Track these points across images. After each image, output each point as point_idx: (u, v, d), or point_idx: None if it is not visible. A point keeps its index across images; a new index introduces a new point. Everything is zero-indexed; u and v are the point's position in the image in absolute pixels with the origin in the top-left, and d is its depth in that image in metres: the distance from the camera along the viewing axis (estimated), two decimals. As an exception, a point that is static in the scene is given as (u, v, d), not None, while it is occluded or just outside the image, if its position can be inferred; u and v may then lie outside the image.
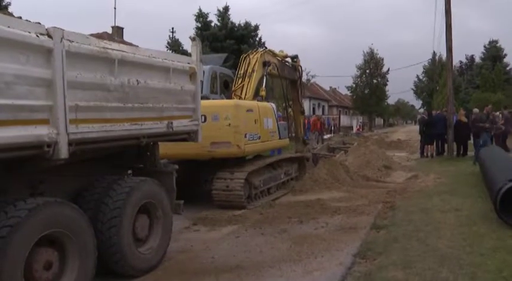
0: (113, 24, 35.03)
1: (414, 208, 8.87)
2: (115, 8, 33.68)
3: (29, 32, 4.06)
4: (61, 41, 4.34)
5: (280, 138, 11.84)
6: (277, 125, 11.71)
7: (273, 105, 12.08)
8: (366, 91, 62.42)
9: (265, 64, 11.58)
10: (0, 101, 3.77)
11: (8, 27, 3.86)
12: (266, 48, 13.28)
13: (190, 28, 31.62)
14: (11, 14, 6.59)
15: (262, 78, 11.65)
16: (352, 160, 16.03)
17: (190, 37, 6.76)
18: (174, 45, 31.97)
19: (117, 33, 34.22)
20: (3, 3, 26.37)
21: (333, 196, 10.64)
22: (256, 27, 32.68)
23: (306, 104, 52.94)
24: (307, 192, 11.29)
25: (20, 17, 4.19)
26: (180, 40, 34.29)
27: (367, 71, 62.33)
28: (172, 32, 35.64)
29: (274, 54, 12.49)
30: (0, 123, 3.81)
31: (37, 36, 4.12)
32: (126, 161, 6.43)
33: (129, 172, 6.58)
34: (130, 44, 24.00)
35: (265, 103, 11.39)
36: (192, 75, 6.46)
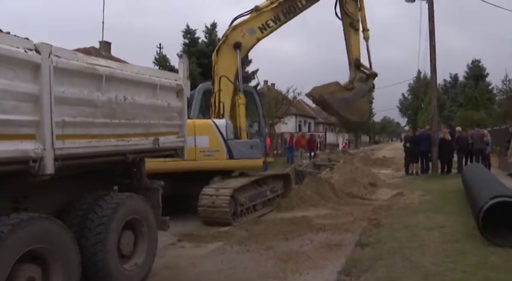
0: (101, 39, 35.08)
1: (399, 225, 8.94)
2: (103, 23, 33.62)
3: (17, 47, 4.07)
4: (49, 57, 4.35)
5: (232, 158, 10.69)
6: (227, 144, 10.64)
7: (220, 122, 10.84)
8: (352, 109, 62.88)
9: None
10: (-14, 115, 3.77)
11: (-5, 43, 3.87)
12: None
13: (177, 44, 31.82)
14: (-1, 30, 6.60)
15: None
16: (338, 177, 16.11)
17: (177, 54, 6.92)
18: (162, 61, 32.03)
19: (105, 48, 34.23)
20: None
21: (318, 213, 10.69)
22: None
23: (292, 121, 53.21)
24: (293, 209, 11.31)
25: (9, 32, 4.19)
26: (168, 56, 34.43)
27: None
28: (160, 47, 35.73)
29: None
30: None
31: (25, 51, 4.13)
32: (112, 177, 6.41)
33: (115, 187, 6.55)
34: (118, 59, 24.08)
35: (202, 120, 10.88)
36: (179, 92, 6.49)
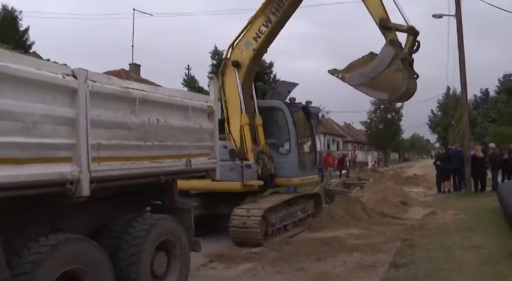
0: (131, 62, 35.72)
1: (433, 246, 8.75)
2: (132, 46, 34.22)
3: (56, 73, 4.21)
4: (85, 82, 4.47)
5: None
6: None
7: None
8: (381, 126, 62.40)
9: None
10: (27, 139, 3.88)
11: (38, 69, 4.00)
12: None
13: (205, 65, 32.04)
14: (39, 56, 6.79)
15: None
16: (368, 196, 15.91)
17: (208, 76, 6.93)
18: (190, 82, 32.39)
19: (135, 70, 34.85)
20: (28, 43, 27.21)
21: (350, 233, 10.55)
22: (271, 65, 33.09)
23: (321, 140, 52.98)
24: (324, 229, 11.20)
25: (49, 59, 4.33)
26: (196, 77, 34.81)
27: (381, 106, 62.43)
28: (188, 69, 36.20)
29: None
30: (26, 161, 3.91)
31: (63, 77, 4.26)
32: (145, 198, 6.48)
33: (148, 208, 6.62)
34: (147, 81, 24.48)
35: None
36: (210, 113, 6.57)
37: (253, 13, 11.39)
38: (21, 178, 3.88)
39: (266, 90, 13.58)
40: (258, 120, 11.51)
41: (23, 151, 3.90)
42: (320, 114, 38.55)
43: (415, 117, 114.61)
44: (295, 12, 11.45)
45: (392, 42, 9.78)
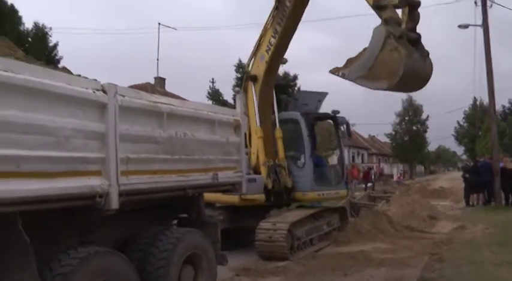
0: (156, 75, 36.11)
1: (463, 261, 8.56)
2: (158, 60, 34.63)
3: (86, 88, 4.29)
4: (114, 96, 4.54)
5: None
6: None
7: None
8: (406, 138, 61.70)
9: None
10: (59, 153, 3.96)
11: (69, 84, 4.08)
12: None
13: (230, 78, 32.21)
14: (69, 71, 6.94)
15: None
16: (394, 209, 15.69)
17: (234, 90, 6.96)
18: (215, 96, 32.60)
19: (160, 83, 35.22)
20: (56, 58, 27.82)
21: (376, 247, 10.41)
22: (295, 77, 33.12)
23: (345, 153, 52.61)
24: (350, 243, 11.07)
25: (79, 75, 4.42)
26: (220, 90, 35.01)
27: (406, 118, 61.80)
28: (213, 82, 36.44)
29: None
30: (57, 175, 3.98)
31: (93, 92, 4.34)
32: (172, 211, 6.51)
33: (174, 222, 6.65)
34: (172, 95, 24.71)
35: None
36: (236, 127, 6.60)
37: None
38: (52, 191, 3.96)
39: (289, 102, 13.31)
40: (278, 133, 11.38)
41: (55, 164, 3.98)
42: (350, 125, 38.51)
43: (441, 129, 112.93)
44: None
45: (387, 21, 8.34)
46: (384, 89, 8.37)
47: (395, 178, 50.23)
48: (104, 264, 4.45)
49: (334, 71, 9.26)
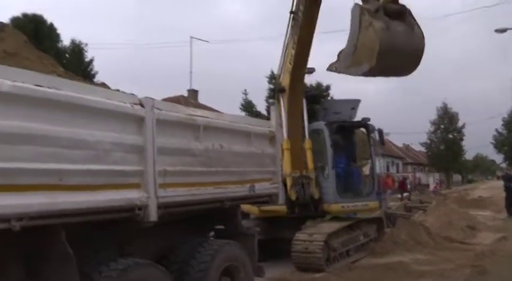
0: (189, 87, 36.51)
1: (508, 273, 8.30)
2: (191, 72, 35.05)
3: (125, 103, 4.37)
4: (152, 110, 4.62)
5: None
6: None
7: None
8: (442, 147, 60.49)
9: None
10: (99, 166, 4.04)
11: (108, 99, 4.17)
12: None
13: (263, 89, 32.30)
14: (107, 86, 7.11)
15: None
16: (432, 220, 15.37)
17: (268, 101, 6.98)
18: (248, 107, 32.74)
19: (193, 96, 35.59)
20: (92, 72, 28.52)
21: (415, 259, 10.22)
22: (328, 87, 33.01)
23: (379, 162, 51.92)
24: (388, 254, 10.90)
25: (118, 90, 4.52)
26: (253, 101, 35.11)
27: (442, 126, 60.64)
28: (245, 93, 36.63)
29: None
30: (97, 188, 4.06)
31: (131, 106, 4.42)
32: (209, 223, 6.54)
33: (211, 233, 6.68)
34: (205, 107, 24.93)
35: None
36: (271, 139, 6.61)
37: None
38: (93, 203, 4.04)
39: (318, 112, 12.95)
40: (307, 144, 11.18)
41: (95, 177, 4.06)
42: (384, 132, 37.94)
43: (479, 137, 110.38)
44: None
45: None
46: (367, 74, 7.41)
47: (431, 187, 49.24)
48: (143, 276, 4.49)
49: (329, 68, 8.73)
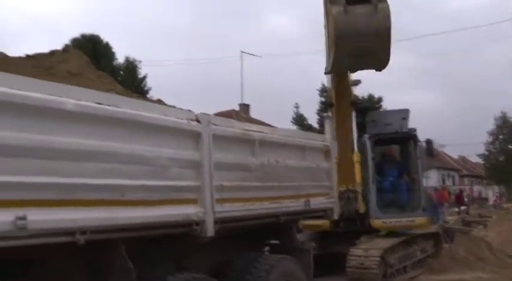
0: (240, 102, 36.83)
1: None
2: (242, 86, 35.38)
3: (181, 119, 4.44)
4: (208, 125, 4.66)
5: None
6: None
7: None
8: (501, 158, 58.21)
9: None
10: (157, 182, 4.11)
11: (165, 115, 4.25)
12: None
13: (314, 103, 32.25)
14: (163, 103, 7.27)
15: None
16: (494, 235, 14.75)
17: (321, 115, 6.94)
18: (299, 120, 32.72)
19: (244, 110, 35.87)
20: (145, 89, 29.34)
21: (477, 277, 9.82)
22: (380, 99, 32.58)
23: (434, 175, 50.54)
24: (447, 271, 10.52)
25: (174, 106, 4.61)
26: (305, 115, 35.04)
27: (500, 136, 58.41)
28: (297, 107, 36.63)
29: None
30: (156, 203, 4.12)
31: (188, 122, 4.48)
32: (264, 238, 6.53)
33: (266, 248, 6.65)
34: (257, 121, 25.10)
35: None
36: (326, 153, 6.57)
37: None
38: (151, 218, 4.10)
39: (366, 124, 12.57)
40: (356, 157, 10.97)
41: (153, 193, 4.12)
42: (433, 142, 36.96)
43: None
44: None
45: None
46: (334, 64, 7.00)
47: (491, 201, 47.39)
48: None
49: (325, 71, 8.92)
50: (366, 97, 32.86)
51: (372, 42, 6.64)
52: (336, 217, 6.79)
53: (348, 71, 10.26)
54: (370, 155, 11.09)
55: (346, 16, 6.46)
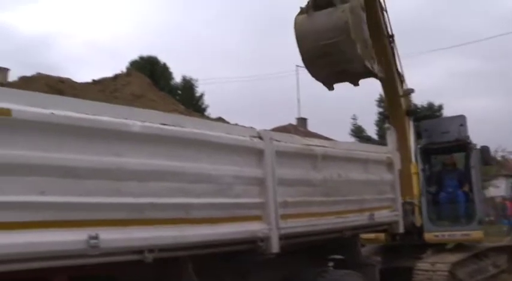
0: (297, 116, 36.80)
1: None
2: (298, 101, 35.39)
3: (244, 136, 4.49)
4: (270, 142, 4.69)
5: None
6: None
7: None
8: None
9: None
10: (222, 200, 4.17)
11: (228, 133, 4.31)
12: None
13: (372, 113, 31.89)
14: (225, 121, 7.35)
15: None
16: None
17: (385, 126, 6.81)
18: (358, 132, 32.37)
19: (302, 124, 35.81)
20: (203, 107, 29.92)
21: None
22: (440, 107, 31.73)
23: (503, 184, 48.25)
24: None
25: (236, 124, 4.67)
26: (363, 126, 34.59)
27: None
28: (355, 118, 36.26)
29: None
30: (221, 220, 4.18)
31: (251, 139, 4.52)
32: (327, 253, 6.45)
33: (330, 263, 6.57)
34: (315, 134, 25.01)
35: None
36: (389, 165, 6.45)
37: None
38: (217, 236, 4.15)
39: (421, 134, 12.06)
40: (413, 168, 10.45)
41: (218, 211, 4.19)
42: (500, 155, 35.43)
43: None
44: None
45: None
46: (308, 71, 6.82)
47: None
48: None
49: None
50: (425, 105, 32.07)
51: (332, 38, 6.42)
52: (401, 230, 6.62)
53: (375, 78, 9.79)
54: (420, 166, 10.56)
55: (307, 19, 6.48)
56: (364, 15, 6.94)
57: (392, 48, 9.76)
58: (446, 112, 30.49)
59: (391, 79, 10.14)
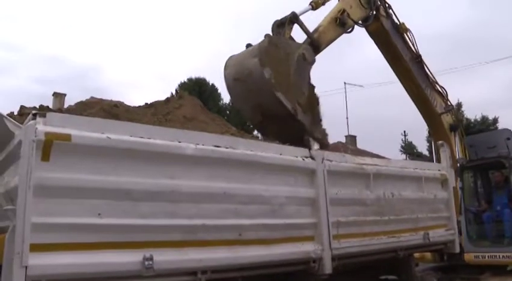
0: (346, 133, 36.41)
1: None
2: (347, 118, 35.02)
3: (296, 157, 4.49)
4: (322, 162, 4.67)
5: None
6: None
7: None
8: None
9: None
10: (274, 220, 4.18)
11: (280, 154, 4.33)
12: None
13: (423, 129, 31.23)
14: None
15: None
16: None
17: (438, 143, 6.66)
18: (408, 148, 31.76)
19: (351, 141, 35.39)
20: (251, 126, 30.12)
21: None
22: (495, 120, 30.73)
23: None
24: None
25: (289, 144, 4.67)
26: (414, 143, 33.87)
27: None
28: (405, 135, 35.60)
29: None
30: (274, 241, 4.18)
31: (303, 159, 4.52)
32: (380, 273, 6.32)
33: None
34: (364, 152, 24.66)
35: None
36: (443, 182, 6.29)
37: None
38: (270, 257, 4.15)
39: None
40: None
41: (270, 231, 4.19)
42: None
43: None
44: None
45: None
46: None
47: None
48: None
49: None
50: (478, 119, 31.13)
51: (246, 70, 5.46)
52: (457, 250, 6.40)
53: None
54: (459, 183, 9.93)
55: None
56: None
57: (422, 68, 9.54)
58: (502, 125, 29.44)
59: (423, 99, 9.95)
